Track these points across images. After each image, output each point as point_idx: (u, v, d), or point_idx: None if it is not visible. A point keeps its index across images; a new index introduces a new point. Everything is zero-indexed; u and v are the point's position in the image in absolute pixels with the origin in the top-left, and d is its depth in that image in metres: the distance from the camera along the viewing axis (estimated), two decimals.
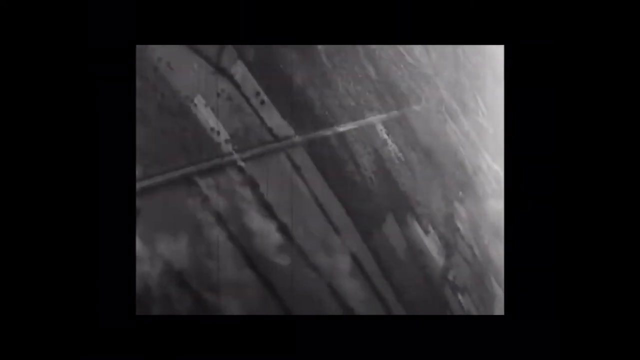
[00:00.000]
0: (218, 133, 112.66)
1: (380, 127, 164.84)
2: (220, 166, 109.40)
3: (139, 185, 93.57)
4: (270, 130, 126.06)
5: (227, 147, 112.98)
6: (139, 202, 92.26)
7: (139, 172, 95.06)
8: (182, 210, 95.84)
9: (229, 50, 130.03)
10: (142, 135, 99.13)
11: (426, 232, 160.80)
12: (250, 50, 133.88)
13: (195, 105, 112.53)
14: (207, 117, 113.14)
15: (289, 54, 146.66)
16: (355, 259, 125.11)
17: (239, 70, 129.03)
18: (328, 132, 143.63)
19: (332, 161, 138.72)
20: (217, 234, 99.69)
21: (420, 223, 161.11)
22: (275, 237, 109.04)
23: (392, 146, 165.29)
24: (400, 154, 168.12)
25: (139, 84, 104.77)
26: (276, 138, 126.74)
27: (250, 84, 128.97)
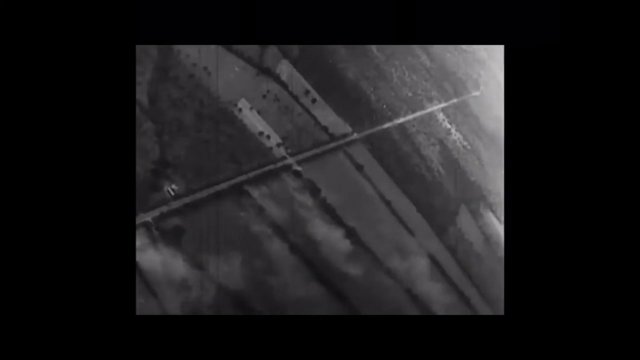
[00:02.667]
0: (268, 137, 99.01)
1: (441, 116, 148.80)
2: (274, 172, 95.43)
3: (180, 202, 77.31)
4: (325, 129, 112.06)
5: (280, 151, 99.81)
6: (181, 222, 75.85)
7: (180, 188, 78.56)
8: (234, 225, 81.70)
9: (272, 49, 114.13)
10: (181, 147, 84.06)
11: (501, 221, 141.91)
12: (295, 47, 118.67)
13: (240, 109, 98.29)
14: (254, 121, 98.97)
15: (338, 48, 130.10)
16: (433, 259, 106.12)
17: (285, 69, 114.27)
18: (388, 126, 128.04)
19: (395, 156, 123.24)
20: (277, 247, 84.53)
21: (494, 212, 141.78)
22: (344, 244, 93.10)
23: (456, 135, 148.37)
24: (465, 142, 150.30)
25: (172, 93, 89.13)
26: (332, 137, 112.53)
27: (299, 83, 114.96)
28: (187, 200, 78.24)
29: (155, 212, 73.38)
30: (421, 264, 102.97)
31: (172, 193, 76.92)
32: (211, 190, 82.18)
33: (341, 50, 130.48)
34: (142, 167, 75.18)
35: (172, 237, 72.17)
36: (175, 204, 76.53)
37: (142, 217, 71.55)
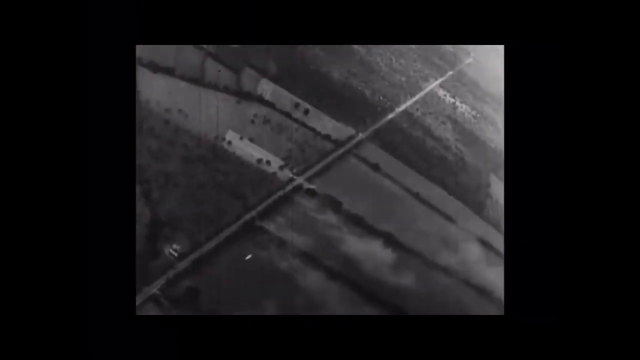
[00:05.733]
0: (268, 162, 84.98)
1: (442, 92, 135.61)
2: (285, 198, 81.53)
3: (188, 261, 62.52)
4: (327, 137, 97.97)
5: (285, 174, 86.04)
6: (194, 282, 61.37)
7: (183, 246, 63.66)
8: (256, 269, 67.36)
9: (247, 72, 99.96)
10: (173, 200, 69.84)
11: None
12: (271, 63, 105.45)
13: (229, 142, 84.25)
14: (248, 149, 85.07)
15: (316, 53, 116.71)
16: (483, 241, 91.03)
17: (266, 88, 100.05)
18: (391, 117, 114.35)
19: (409, 145, 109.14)
20: (313, 278, 70.07)
21: None
22: (385, 254, 78.93)
23: (462, 106, 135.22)
24: (474, 112, 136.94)
25: (150, 145, 74.04)
26: (337, 143, 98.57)
27: (285, 98, 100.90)
28: (195, 256, 65.65)
29: (161, 281, 60.98)
30: (473, 251, 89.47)
31: (175, 254, 63.99)
32: (220, 238, 69.60)
33: (320, 53, 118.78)
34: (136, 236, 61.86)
35: (187, 303, 59.40)
36: (182, 265, 64.05)
37: (146, 292, 58.68)
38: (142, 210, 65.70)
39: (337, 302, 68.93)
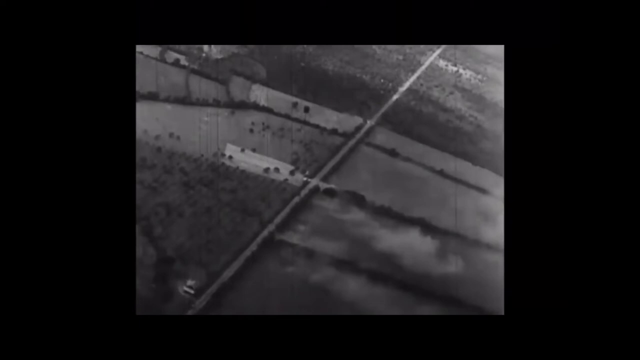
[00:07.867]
0: (277, 170, 76.79)
1: (442, 63, 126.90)
2: (303, 204, 73.03)
3: (207, 295, 53.89)
4: (334, 131, 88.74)
5: (297, 179, 77.91)
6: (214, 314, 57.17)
7: (198, 280, 54.10)
8: (286, 288, 58.21)
9: (236, 80, 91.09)
10: (180, 232, 60.99)
11: None
12: (260, 67, 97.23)
13: (230, 157, 75.88)
14: (252, 161, 76.96)
15: (305, 48, 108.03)
16: None
17: (259, 93, 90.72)
18: (397, 97, 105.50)
19: (421, 122, 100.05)
20: (353, 285, 62.66)
21: None
22: (425, 242, 70.16)
23: (466, 73, 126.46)
24: (479, 76, 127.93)
25: (144, 178, 66.55)
26: (346, 135, 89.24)
27: (282, 100, 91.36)
28: (214, 289, 56.99)
29: None
30: None
31: (192, 291, 55.16)
32: (240, 261, 60.94)
33: (309, 48, 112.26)
34: (141, 279, 52.84)
35: None
36: (202, 301, 55.60)
37: None
38: (145, 251, 56.92)
39: (385, 306, 60.77)
